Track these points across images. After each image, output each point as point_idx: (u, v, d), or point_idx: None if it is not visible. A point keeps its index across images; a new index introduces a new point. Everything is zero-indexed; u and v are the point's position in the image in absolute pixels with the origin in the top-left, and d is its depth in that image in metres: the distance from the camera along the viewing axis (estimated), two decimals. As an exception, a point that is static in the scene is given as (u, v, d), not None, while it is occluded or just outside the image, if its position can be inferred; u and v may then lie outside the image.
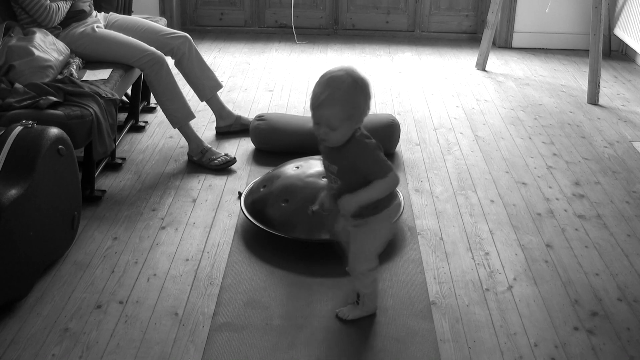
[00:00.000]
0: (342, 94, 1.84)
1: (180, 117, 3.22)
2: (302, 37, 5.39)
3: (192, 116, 3.26)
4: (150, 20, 3.55)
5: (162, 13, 5.19)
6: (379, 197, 1.95)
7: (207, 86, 3.49)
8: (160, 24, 3.55)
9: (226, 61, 4.80)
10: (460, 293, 2.34)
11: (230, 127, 3.55)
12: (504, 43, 5.31)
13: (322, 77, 1.88)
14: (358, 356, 2.03)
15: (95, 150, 2.75)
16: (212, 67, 4.60)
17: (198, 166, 3.20)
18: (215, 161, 3.17)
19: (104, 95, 2.82)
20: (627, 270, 2.49)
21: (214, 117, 3.66)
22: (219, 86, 3.55)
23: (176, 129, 3.30)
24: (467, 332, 2.14)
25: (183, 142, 3.38)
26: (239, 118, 3.56)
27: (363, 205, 1.95)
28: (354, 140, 1.91)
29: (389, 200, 2.04)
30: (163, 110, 3.24)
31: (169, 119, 3.25)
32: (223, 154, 3.21)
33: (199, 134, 3.39)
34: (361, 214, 1.99)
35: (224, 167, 3.17)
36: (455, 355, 2.04)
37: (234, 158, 3.21)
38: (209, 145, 3.24)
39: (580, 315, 2.24)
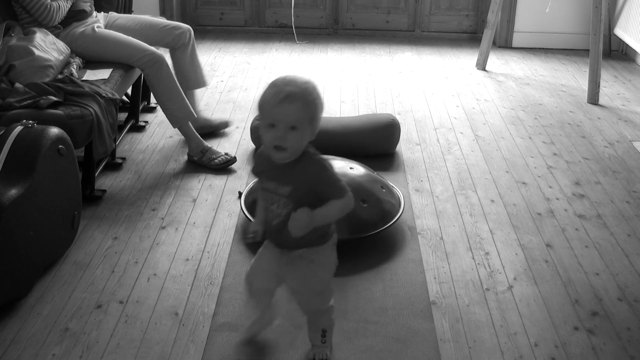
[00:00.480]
0: (305, 92, 1.69)
1: (180, 117, 3.22)
2: (302, 37, 5.39)
3: (193, 116, 3.25)
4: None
5: (162, 13, 5.20)
6: (335, 218, 1.79)
7: (192, 79, 3.51)
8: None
9: (226, 61, 4.80)
10: (460, 293, 2.34)
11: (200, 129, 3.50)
12: (504, 43, 5.32)
13: (279, 78, 1.73)
14: (358, 356, 2.03)
15: (96, 150, 2.75)
16: (212, 67, 4.62)
17: (198, 166, 3.20)
18: (216, 160, 3.17)
19: (104, 95, 2.82)
20: (627, 270, 2.49)
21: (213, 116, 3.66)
22: (203, 83, 3.57)
23: (176, 129, 3.30)
24: (467, 331, 2.14)
25: (183, 141, 3.38)
26: (206, 120, 3.54)
27: (317, 225, 1.76)
28: (309, 156, 1.75)
29: (333, 228, 1.88)
30: (163, 110, 3.24)
31: (169, 119, 3.25)
32: (223, 153, 3.20)
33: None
34: (310, 242, 1.82)
35: (225, 167, 3.16)
36: (456, 355, 2.04)
37: (234, 157, 3.21)
38: (209, 145, 3.24)
39: (581, 315, 2.24)
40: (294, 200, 1.74)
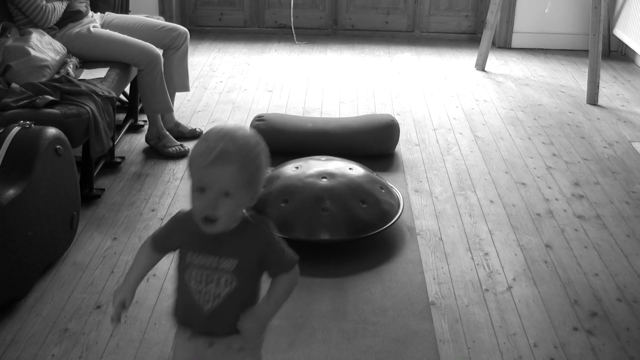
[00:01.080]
0: (243, 150, 1.38)
1: (157, 108, 3.30)
2: (301, 38, 5.39)
3: (170, 110, 3.37)
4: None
5: (162, 13, 5.19)
6: (284, 301, 1.50)
7: (176, 82, 3.53)
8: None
9: (225, 61, 4.79)
10: (459, 293, 2.34)
11: (170, 131, 3.48)
12: (503, 43, 5.31)
13: (213, 130, 1.42)
14: (357, 356, 2.02)
15: (93, 148, 2.75)
16: (211, 68, 4.62)
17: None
18: (170, 149, 3.30)
19: (100, 93, 2.82)
20: (627, 271, 2.49)
21: (201, 113, 3.66)
22: (185, 88, 3.60)
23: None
24: (466, 332, 2.14)
25: (183, 141, 3.38)
26: (177, 125, 3.54)
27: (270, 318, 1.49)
28: (251, 223, 1.45)
29: None
30: (142, 99, 3.34)
31: (144, 107, 3.34)
32: (178, 144, 3.33)
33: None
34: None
35: (176, 157, 3.28)
36: (455, 356, 2.04)
37: (188, 149, 3.31)
38: (167, 133, 3.35)
39: (580, 315, 2.24)
40: (239, 276, 1.43)
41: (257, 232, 1.46)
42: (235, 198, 1.38)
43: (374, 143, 3.30)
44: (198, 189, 1.38)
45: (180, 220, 1.50)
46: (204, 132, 1.49)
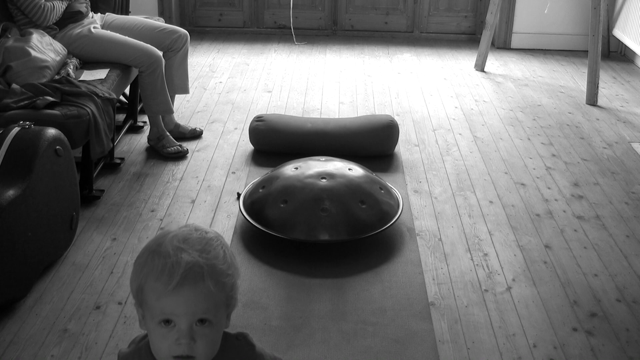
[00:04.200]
0: (214, 258, 1.08)
1: (158, 110, 3.31)
2: (301, 38, 5.39)
3: (171, 111, 3.37)
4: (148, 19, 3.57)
5: (161, 14, 5.19)
6: None
7: (176, 84, 3.53)
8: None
9: (225, 62, 4.79)
10: (459, 294, 2.34)
11: (170, 132, 3.48)
12: (502, 44, 5.32)
13: (162, 239, 1.10)
14: (357, 357, 2.02)
15: (93, 149, 2.75)
16: (211, 68, 4.62)
17: (197, 167, 3.20)
18: (169, 149, 3.31)
19: (101, 94, 2.82)
20: (626, 271, 2.49)
21: (201, 114, 3.66)
22: (185, 90, 3.60)
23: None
24: (466, 332, 2.14)
25: (183, 141, 3.38)
26: (177, 126, 3.54)
27: None
28: (232, 344, 1.18)
29: None
30: (142, 100, 3.34)
31: (145, 108, 3.33)
32: (178, 144, 3.34)
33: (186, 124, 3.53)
34: None
35: (175, 157, 3.29)
36: (454, 356, 2.04)
37: (187, 150, 3.34)
38: (167, 134, 3.36)
39: (579, 316, 2.24)
40: None
41: (241, 354, 1.18)
42: (214, 323, 1.08)
43: (374, 143, 3.30)
44: (161, 322, 1.06)
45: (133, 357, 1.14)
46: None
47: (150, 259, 1.07)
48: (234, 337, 1.18)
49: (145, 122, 3.67)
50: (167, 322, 1.06)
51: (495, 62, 4.96)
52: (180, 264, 1.04)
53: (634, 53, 5.00)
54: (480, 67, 4.78)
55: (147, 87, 3.25)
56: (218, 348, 1.12)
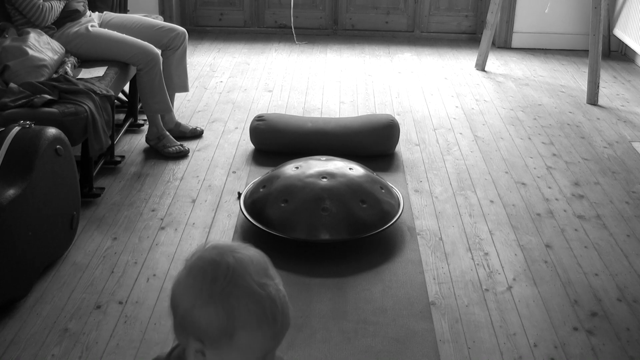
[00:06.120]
0: (287, 303, 1.06)
1: (156, 109, 3.30)
2: (301, 38, 5.39)
3: (170, 110, 3.36)
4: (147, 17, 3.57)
5: (162, 13, 5.19)
6: None
7: (175, 83, 3.53)
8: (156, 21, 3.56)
9: (225, 61, 4.79)
10: (459, 293, 2.34)
11: (170, 131, 3.48)
12: (503, 43, 5.31)
13: (243, 274, 1.03)
14: (357, 356, 2.02)
15: (92, 146, 2.75)
16: (211, 68, 4.62)
17: (198, 166, 3.20)
18: (170, 149, 3.30)
19: (98, 92, 2.82)
20: (627, 271, 2.49)
21: (201, 113, 3.65)
22: (185, 89, 3.60)
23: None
24: (466, 332, 2.14)
25: (184, 141, 3.38)
26: (178, 125, 3.54)
27: None
28: None
29: None
30: (141, 99, 3.33)
31: (144, 107, 3.33)
32: (178, 144, 3.33)
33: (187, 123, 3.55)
34: None
35: (176, 157, 3.28)
36: (455, 356, 2.04)
37: (188, 149, 3.33)
38: (167, 133, 3.35)
39: (580, 315, 2.24)
40: None
41: None
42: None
43: (374, 143, 3.30)
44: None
45: None
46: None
47: (238, 303, 0.99)
48: None
49: (145, 121, 3.67)
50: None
51: (496, 62, 4.96)
52: (275, 302, 1.00)
53: (634, 52, 5.00)
54: (480, 66, 4.78)
55: (146, 86, 3.25)
56: None
